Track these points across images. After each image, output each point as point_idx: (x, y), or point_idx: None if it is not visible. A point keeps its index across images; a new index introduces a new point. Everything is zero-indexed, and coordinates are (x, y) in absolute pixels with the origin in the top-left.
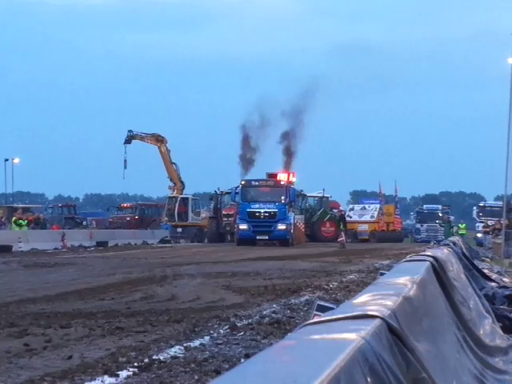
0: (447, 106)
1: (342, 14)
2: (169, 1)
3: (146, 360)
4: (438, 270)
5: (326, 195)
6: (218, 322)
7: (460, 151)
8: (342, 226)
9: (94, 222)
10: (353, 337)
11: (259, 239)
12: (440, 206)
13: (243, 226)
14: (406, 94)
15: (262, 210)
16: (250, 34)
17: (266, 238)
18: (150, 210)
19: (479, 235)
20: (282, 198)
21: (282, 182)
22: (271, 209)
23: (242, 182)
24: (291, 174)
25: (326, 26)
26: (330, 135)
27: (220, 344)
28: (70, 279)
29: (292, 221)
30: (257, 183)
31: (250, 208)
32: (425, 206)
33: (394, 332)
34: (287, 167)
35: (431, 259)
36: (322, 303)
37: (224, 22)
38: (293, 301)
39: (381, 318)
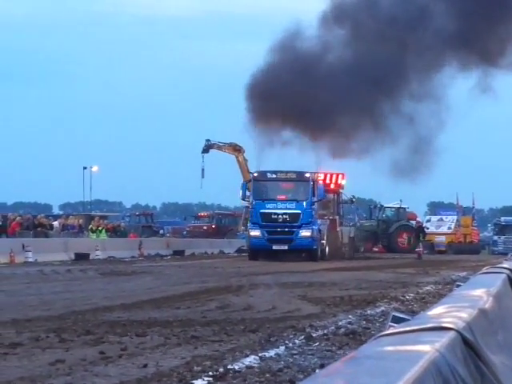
0: None
1: None
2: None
3: (221, 369)
4: None
5: (403, 206)
6: (293, 332)
7: None
8: (421, 237)
9: (170, 230)
10: (427, 349)
11: (276, 249)
12: None
13: (255, 233)
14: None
15: (280, 212)
16: None
17: (286, 247)
18: (226, 219)
19: None
20: (307, 195)
21: (307, 175)
22: (292, 209)
23: (255, 174)
24: (340, 176)
25: None
26: None
27: (295, 354)
28: (146, 288)
29: (318, 226)
30: (274, 176)
31: (265, 208)
32: (502, 218)
33: (468, 345)
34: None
35: (508, 271)
36: (397, 314)
37: None
38: (369, 312)
39: (455, 330)
